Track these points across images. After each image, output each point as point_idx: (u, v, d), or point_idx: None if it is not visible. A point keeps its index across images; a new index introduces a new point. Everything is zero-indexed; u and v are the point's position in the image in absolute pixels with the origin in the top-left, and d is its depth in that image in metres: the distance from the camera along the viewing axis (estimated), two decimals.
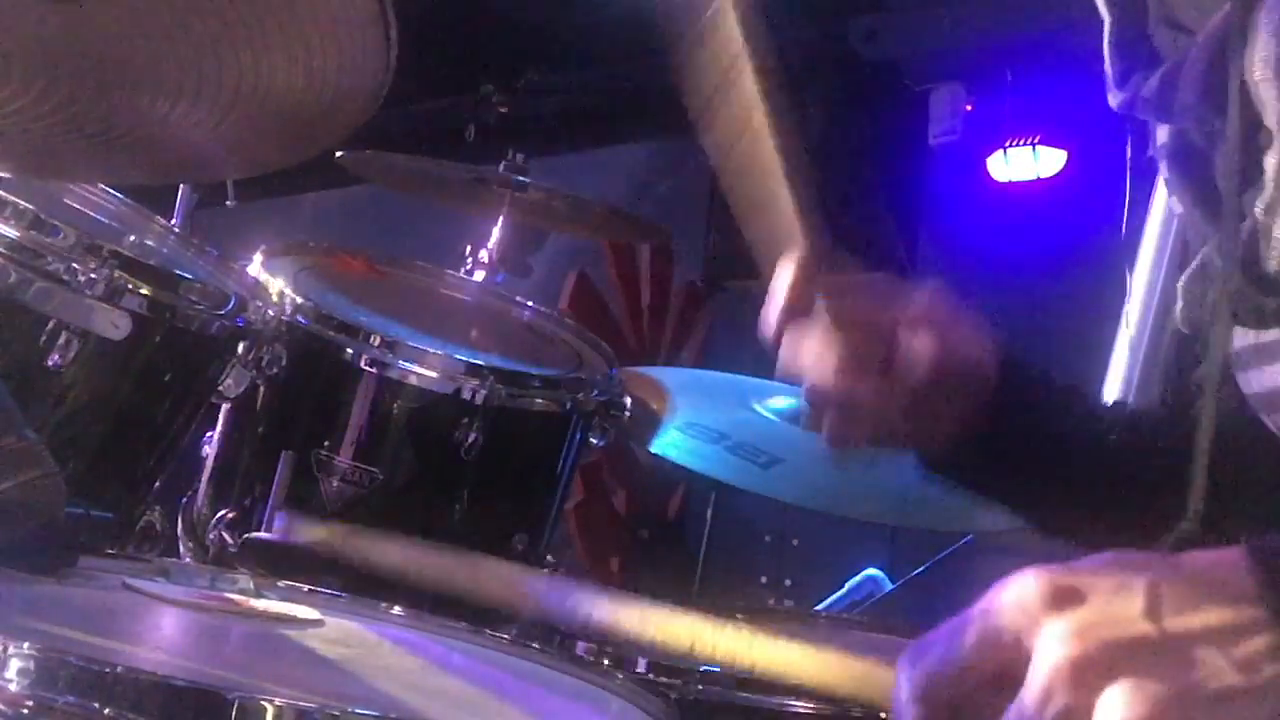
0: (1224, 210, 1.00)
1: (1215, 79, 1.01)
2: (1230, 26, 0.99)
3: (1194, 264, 1.10)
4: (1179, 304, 1.12)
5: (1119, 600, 0.69)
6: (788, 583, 4.98)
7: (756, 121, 1.08)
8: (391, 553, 1.13)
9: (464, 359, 1.89)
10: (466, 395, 1.86)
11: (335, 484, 1.85)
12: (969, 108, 4.87)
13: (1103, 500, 1.21)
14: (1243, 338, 1.02)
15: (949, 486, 1.29)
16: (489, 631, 1.34)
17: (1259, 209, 0.98)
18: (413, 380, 1.87)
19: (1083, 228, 4.38)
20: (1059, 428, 1.23)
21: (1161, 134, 1.15)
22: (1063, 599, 0.69)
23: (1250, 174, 0.99)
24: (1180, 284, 1.12)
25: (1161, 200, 2.84)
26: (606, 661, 1.48)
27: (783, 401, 2.10)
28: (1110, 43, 1.13)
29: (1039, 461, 1.23)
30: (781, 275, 1.13)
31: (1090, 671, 0.67)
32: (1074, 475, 1.23)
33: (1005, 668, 0.69)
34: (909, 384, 1.13)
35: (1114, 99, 1.14)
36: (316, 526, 1.38)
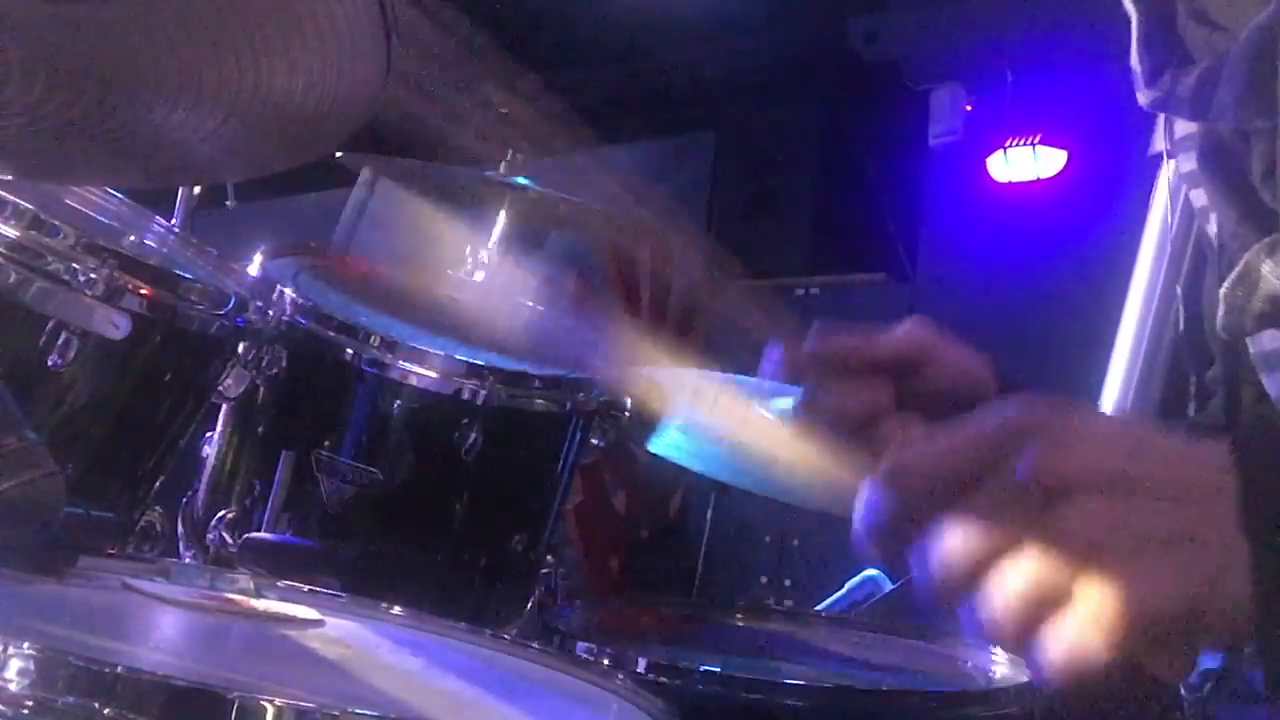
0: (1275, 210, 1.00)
1: (1259, 77, 1.00)
2: (1275, 24, 0.98)
3: (1236, 270, 1.08)
4: (1220, 310, 1.11)
5: (1098, 442, 0.73)
6: (788, 583, 4.98)
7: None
8: None
9: (464, 359, 1.90)
10: (466, 395, 1.86)
11: (335, 484, 1.85)
12: (969, 108, 4.88)
13: None
14: (1273, 340, 1.01)
15: None
16: (489, 631, 1.35)
17: None
18: (413, 380, 1.87)
19: (1083, 228, 4.38)
20: None
21: (1183, 129, 1.14)
22: (1046, 425, 0.74)
23: None
24: (1222, 291, 1.10)
25: (1162, 201, 2.84)
26: (606, 661, 1.48)
27: (783, 401, 2.09)
28: (1139, 40, 1.12)
29: None
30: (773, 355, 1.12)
31: (1054, 490, 0.71)
32: None
33: (979, 469, 0.73)
34: (917, 422, 1.11)
35: (1144, 97, 1.12)
36: None
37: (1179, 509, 0.72)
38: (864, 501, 0.77)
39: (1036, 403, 0.76)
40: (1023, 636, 0.71)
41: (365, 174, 1.43)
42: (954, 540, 0.73)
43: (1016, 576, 0.71)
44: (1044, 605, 0.71)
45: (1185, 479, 0.73)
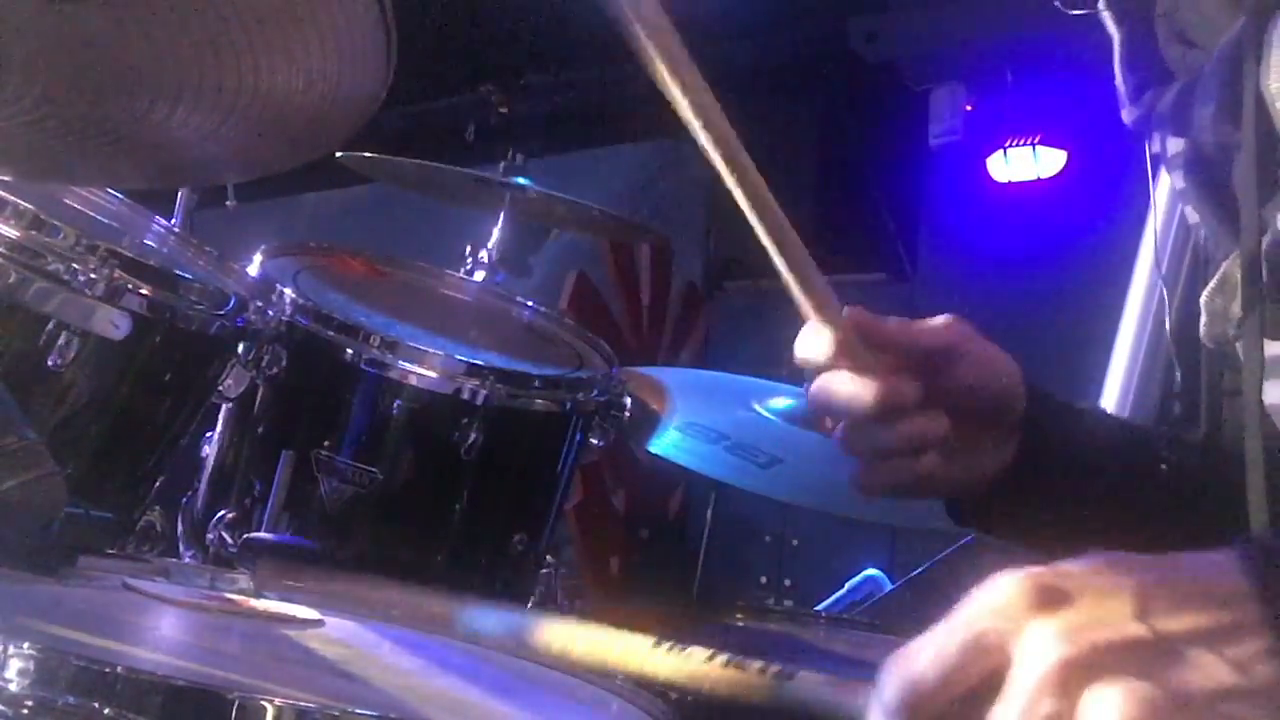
0: (1243, 223, 1.00)
1: (1232, 93, 1.01)
2: (1245, 41, 0.99)
3: (1215, 279, 1.09)
4: (1202, 319, 1.11)
5: (1107, 601, 0.67)
6: (788, 583, 4.98)
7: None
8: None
9: (464, 359, 1.89)
10: (466, 395, 1.86)
11: (335, 484, 1.85)
12: (969, 108, 4.88)
13: (1142, 526, 1.16)
14: (1265, 348, 1.01)
15: (980, 533, 1.25)
16: None
17: (1279, 221, 0.98)
18: (413, 380, 1.87)
19: (1082, 228, 4.38)
20: (1089, 453, 1.19)
21: (1174, 146, 1.15)
22: (1048, 600, 0.67)
23: (1267, 186, 0.99)
24: (1202, 299, 1.11)
25: (1162, 201, 2.85)
26: None
27: (783, 401, 2.10)
28: (1121, 59, 1.13)
29: (1073, 492, 1.18)
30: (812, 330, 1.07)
31: (1078, 673, 0.65)
32: (1109, 503, 1.18)
33: (991, 673, 0.67)
34: (945, 418, 1.10)
35: (1128, 115, 1.13)
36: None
37: (1225, 646, 0.66)
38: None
39: (1023, 574, 0.69)
40: None
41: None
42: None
43: None
44: None
45: (1215, 606, 0.67)
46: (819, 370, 1.07)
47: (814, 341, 1.05)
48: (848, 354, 1.05)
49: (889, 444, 1.09)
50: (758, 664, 0.77)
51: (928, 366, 1.09)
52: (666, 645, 0.83)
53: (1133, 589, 0.68)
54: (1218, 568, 0.70)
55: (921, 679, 0.68)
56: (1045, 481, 1.17)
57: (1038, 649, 0.66)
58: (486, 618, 0.97)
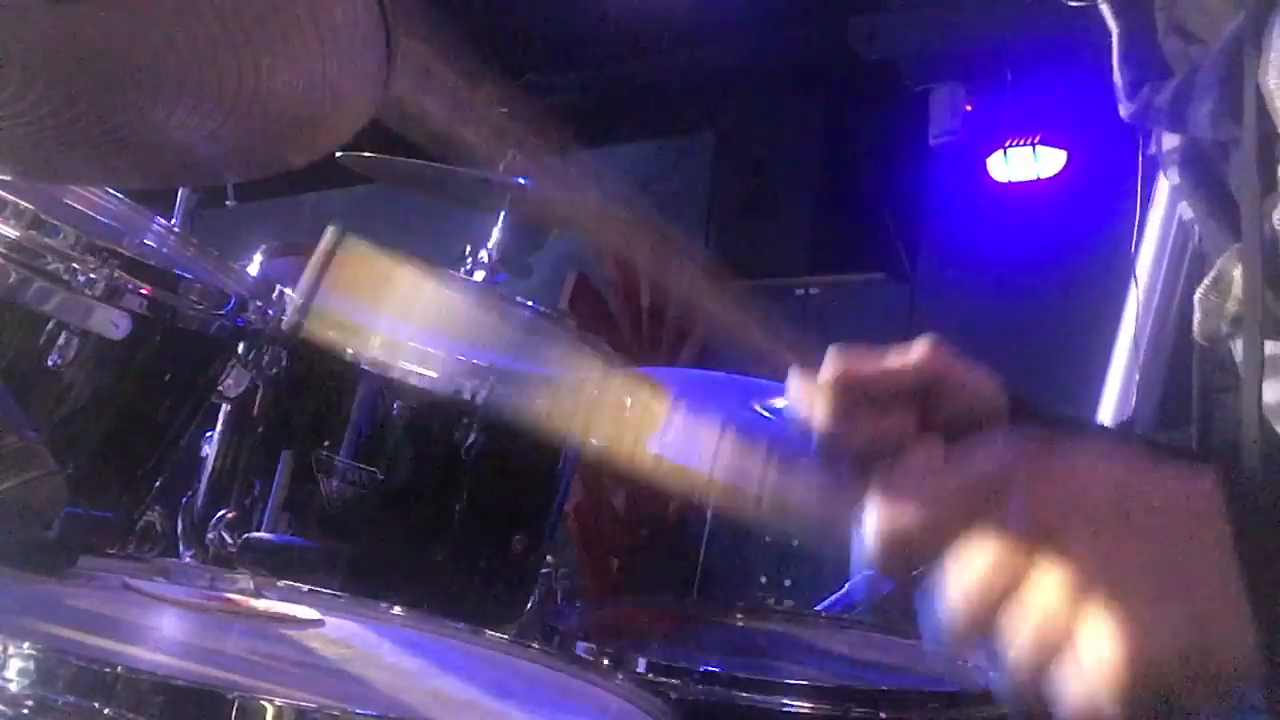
0: (1244, 221, 1.00)
1: (1230, 88, 1.01)
2: (1244, 35, 0.99)
3: (1210, 276, 1.09)
4: (1196, 316, 1.11)
5: (1091, 473, 0.74)
6: (788, 583, 4.98)
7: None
8: None
9: (464, 359, 1.89)
10: (466, 395, 1.86)
11: (335, 484, 1.85)
12: (969, 108, 4.88)
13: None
14: (1273, 346, 1.01)
15: None
16: (489, 631, 1.35)
17: (1276, 218, 0.97)
18: (413, 380, 1.87)
19: (1082, 228, 4.38)
20: None
21: (1169, 141, 1.15)
22: (1034, 461, 0.74)
23: (1266, 183, 0.99)
24: (1197, 296, 1.11)
25: (1162, 201, 2.84)
26: (606, 661, 1.48)
27: (783, 401, 2.10)
28: (1119, 54, 1.13)
29: None
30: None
31: (1051, 503, 0.72)
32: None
33: (975, 505, 0.74)
34: (940, 446, 1.10)
35: (1124, 110, 1.13)
36: None
37: (1170, 541, 0.72)
38: (872, 516, 0.77)
39: (1021, 439, 0.76)
40: (1034, 682, 0.72)
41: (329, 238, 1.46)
42: (957, 586, 0.73)
43: (1017, 623, 0.72)
44: (1047, 651, 0.71)
45: (1174, 509, 0.73)
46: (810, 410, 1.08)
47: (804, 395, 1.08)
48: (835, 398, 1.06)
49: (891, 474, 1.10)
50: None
51: (912, 396, 1.09)
52: None
53: (1107, 474, 0.74)
54: (1191, 475, 0.75)
55: (910, 494, 0.76)
56: None
57: (1013, 508, 0.73)
58: None
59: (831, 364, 1.06)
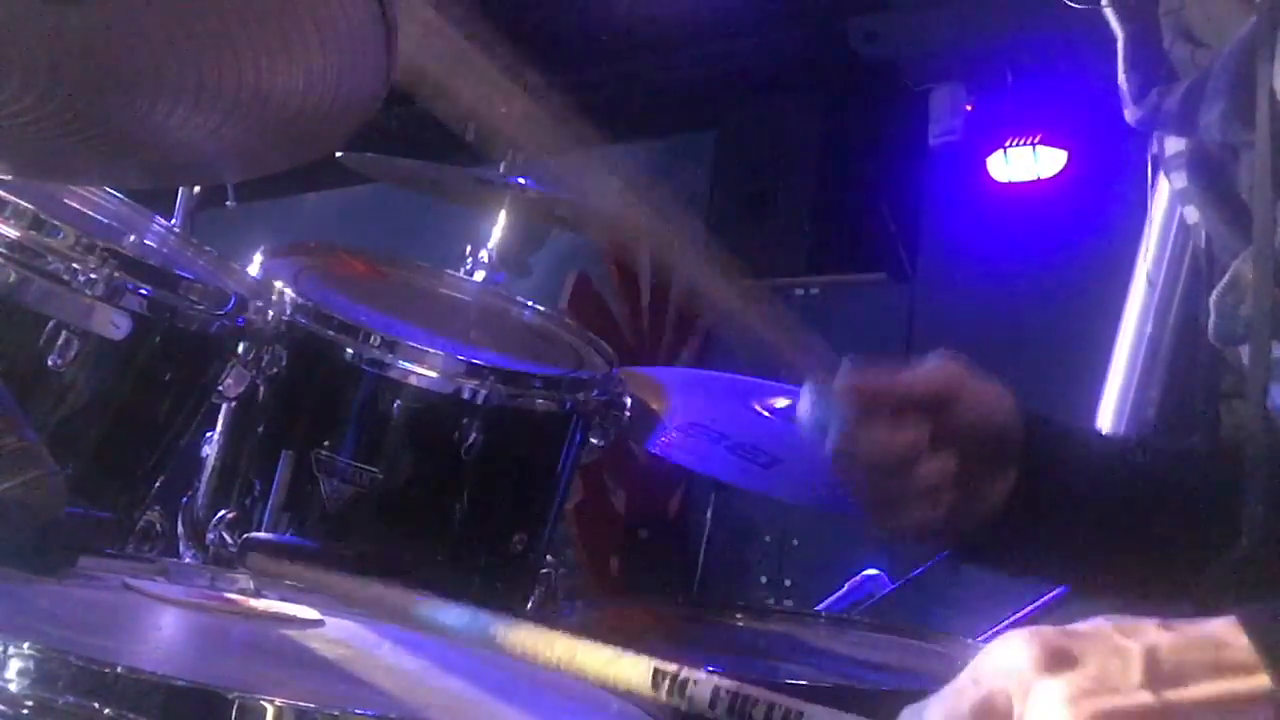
0: (1255, 224, 1.00)
1: (1241, 92, 1.01)
2: (1257, 40, 0.99)
3: (1225, 278, 1.09)
4: (1212, 319, 1.11)
5: (1115, 664, 0.67)
6: (788, 583, 4.99)
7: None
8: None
9: (464, 359, 1.89)
10: (466, 395, 1.86)
11: (335, 484, 1.85)
12: (969, 108, 4.88)
13: (1145, 540, 1.16)
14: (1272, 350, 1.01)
15: (987, 571, 1.24)
16: None
17: None
18: (413, 380, 1.87)
19: (1083, 228, 4.38)
20: (1090, 474, 1.19)
21: (1173, 145, 1.15)
22: (1056, 661, 0.67)
23: (1278, 186, 0.98)
24: (1213, 299, 1.11)
25: (1162, 201, 2.84)
26: None
27: (783, 401, 2.10)
28: (1125, 58, 1.13)
29: (1073, 518, 1.18)
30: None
31: None
32: (1111, 520, 1.18)
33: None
34: (954, 459, 1.10)
35: (1131, 114, 1.13)
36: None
37: (1231, 716, 0.66)
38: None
39: (1032, 633, 0.70)
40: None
41: None
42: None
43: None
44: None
45: (1223, 674, 0.67)
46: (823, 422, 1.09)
47: (815, 404, 1.08)
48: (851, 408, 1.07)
49: (908, 491, 1.10)
50: (763, 708, 0.78)
51: (927, 409, 1.09)
52: (666, 684, 0.82)
53: (1141, 653, 0.67)
54: (1227, 634, 0.69)
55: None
56: (1045, 511, 1.17)
57: (1045, 712, 0.66)
58: (448, 613, 0.98)
59: (845, 373, 1.07)
